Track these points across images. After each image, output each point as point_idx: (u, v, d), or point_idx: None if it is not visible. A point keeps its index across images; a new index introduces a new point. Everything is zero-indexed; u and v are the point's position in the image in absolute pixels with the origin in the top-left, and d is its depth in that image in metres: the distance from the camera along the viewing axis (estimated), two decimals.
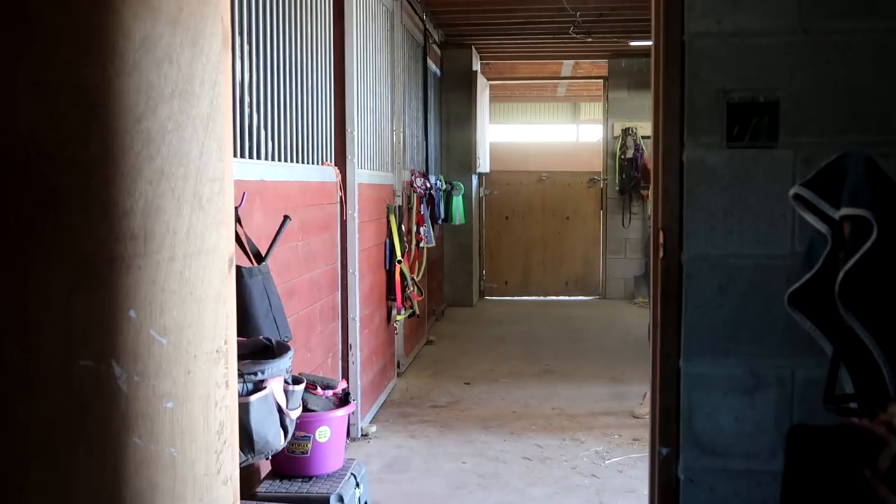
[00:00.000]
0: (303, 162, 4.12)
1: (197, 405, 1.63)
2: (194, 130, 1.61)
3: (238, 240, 2.75)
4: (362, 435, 4.84)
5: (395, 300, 5.86)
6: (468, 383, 6.19)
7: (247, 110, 3.37)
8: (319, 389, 3.28)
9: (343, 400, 3.34)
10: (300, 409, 2.80)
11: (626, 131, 10.20)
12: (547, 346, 7.63)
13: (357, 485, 3.31)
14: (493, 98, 12.34)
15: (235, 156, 3.13)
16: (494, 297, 10.68)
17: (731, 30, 2.39)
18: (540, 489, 4.09)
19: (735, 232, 2.41)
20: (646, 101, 9.69)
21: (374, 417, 5.24)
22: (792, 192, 2.03)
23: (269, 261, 3.03)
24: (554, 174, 10.88)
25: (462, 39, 9.30)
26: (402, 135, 6.54)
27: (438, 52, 9.18)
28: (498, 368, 6.68)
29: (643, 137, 9.95)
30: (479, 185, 10.41)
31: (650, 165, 4.24)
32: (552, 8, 7.55)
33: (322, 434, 3.17)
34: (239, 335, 2.21)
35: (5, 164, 1.34)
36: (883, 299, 1.83)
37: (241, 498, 1.89)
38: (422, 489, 4.09)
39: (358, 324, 4.84)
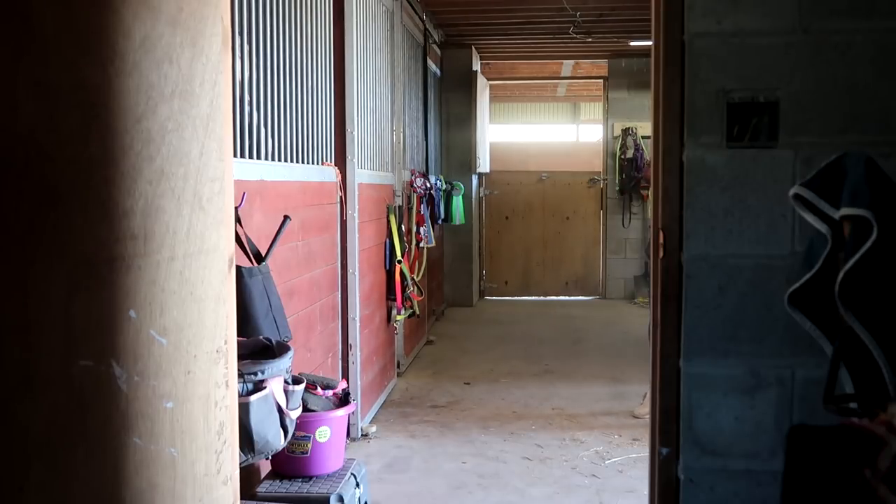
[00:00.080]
0: (303, 162, 4.12)
1: (197, 405, 1.63)
2: (194, 130, 1.61)
3: (238, 240, 2.75)
4: (362, 435, 4.84)
5: (395, 300, 5.86)
6: (468, 383, 6.19)
7: (247, 108, 3.37)
8: (319, 389, 3.28)
9: (343, 400, 3.34)
10: (300, 409, 2.80)
11: (626, 131, 10.20)
12: (547, 346, 7.63)
13: (357, 485, 3.31)
14: (493, 98, 12.35)
15: (235, 156, 3.13)
16: (494, 297, 10.68)
17: (731, 30, 2.39)
18: (540, 489, 4.09)
19: (735, 232, 2.41)
20: (646, 101, 9.69)
21: (374, 417, 5.24)
22: (792, 192, 2.03)
23: (269, 261, 3.03)
24: (554, 174, 10.88)
25: (462, 39, 9.30)
26: (402, 135, 6.54)
27: (438, 52, 9.18)
28: (498, 368, 6.68)
29: (643, 137, 9.95)
30: (479, 185, 10.41)
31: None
32: (552, 8, 7.55)
33: (322, 434, 3.17)
34: (239, 335, 2.21)
35: (5, 164, 1.34)
36: (883, 299, 1.83)
37: (241, 498, 1.89)
38: (422, 489, 4.09)
39: (358, 324, 4.84)
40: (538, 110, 17.43)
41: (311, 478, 3.17)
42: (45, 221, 1.38)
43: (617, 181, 10.28)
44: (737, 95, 2.39)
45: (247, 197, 3.02)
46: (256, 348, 2.79)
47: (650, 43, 2.64)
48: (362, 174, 5.01)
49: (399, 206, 6.22)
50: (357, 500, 3.30)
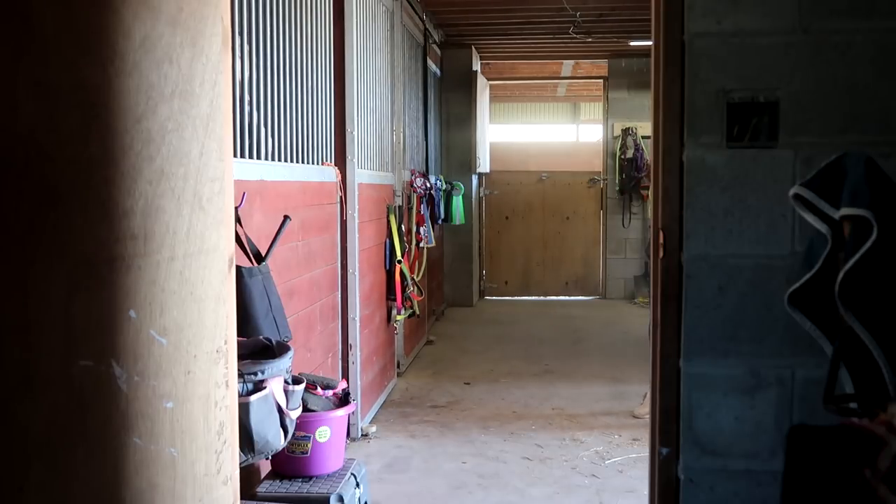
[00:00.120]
0: (303, 162, 4.12)
1: (197, 405, 1.63)
2: (194, 130, 1.61)
3: (238, 240, 2.75)
4: (362, 435, 4.84)
5: (395, 300, 5.86)
6: (468, 383, 6.19)
7: (247, 108, 3.37)
8: (319, 389, 3.28)
9: (343, 400, 3.34)
10: (300, 409, 2.80)
11: (626, 131, 10.20)
12: (547, 346, 7.63)
13: (357, 485, 3.31)
14: (493, 98, 12.35)
15: (235, 156, 3.14)
16: (494, 297, 10.68)
17: (731, 30, 2.39)
18: (540, 489, 4.09)
19: (735, 232, 2.41)
20: (646, 101, 9.69)
21: (374, 417, 5.24)
22: (792, 192, 2.03)
23: (269, 261, 3.03)
24: (554, 174, 10.88)
25: (462, 39, 9.30)
26: (402, 135, 6.54)
27: (438, 52, 9.18)
28: (498, 368, 6.68)
29: (643, 137, 9.95)
30: (479, 185, 10.41)
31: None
32: (552, 8, 7.55)
33: (322, 434, 3.17)
34: (239, 335, 2.21)
35: (5, 164, 1.34)
36: (883, 299, 1.83)
37: (241, 498, 1.89)
38: (422, 489, 4.09)
39: (358, 324, 4.84)
40: (538, 110, 17.43)
41: (311, 478, 3.17)
42: (45, 221, 1.39)
43: (617, 181, 10.28)
44: (737, 95, 2.39)
45: (247, 197, 3.02)
46: (256, 348, 2.79)
47: (650, 43, 2.64)
48: (362, 174, 5.01)
49: (399, 206, 6.22)
50: (357, 500, 3.30)
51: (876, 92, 2.35)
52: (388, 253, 5.82)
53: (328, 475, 3.20)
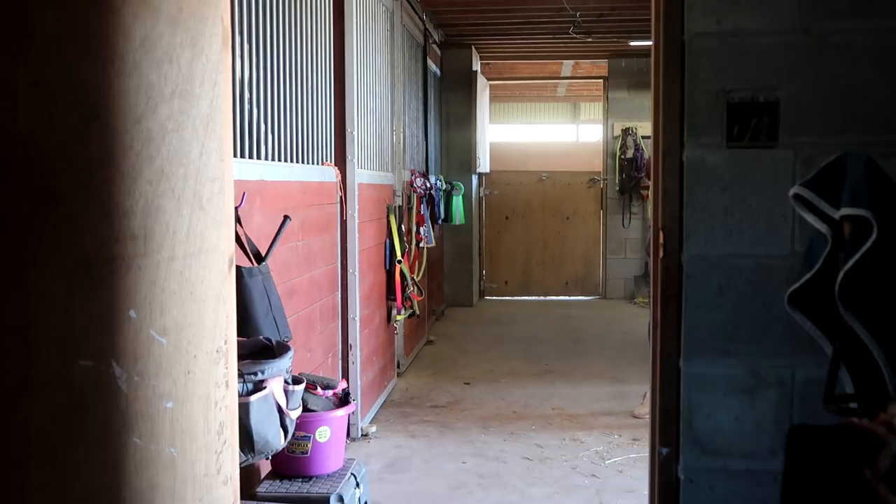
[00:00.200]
0: (303, 162, 4.12)
1: (197, 405, 1.63)
2: (194, 130, 1.61)
3: (238, 240, 2.75)
4: (362, 435, 4.84)
5: (395, 300, 5.86)
6: (468, 383, 6.19)
7: (247, 108, 3.37)
8: (319, 389, 3.28)
9: (343, 400, 3.34)
10: (300, 409, 2.80)
11: (626, 131, 10.20)
12: (547, 346, 7.63)
13: (357, 485, 3.31)
14: (493, 98, 12.35)
15: (235, 156, 3.14)
16: (494, 297, 10.68)
17: (731, 30, 2.39)
18: (540, 489, 4.09)
19: (735, 232, 2.41)
20: (646, 101, 9.69)
21: (374, 417, 5.24)
22: (792, 192, 2.03)
23: (269, 261, 3.03)
24: (554, 174, 10.88)
25: (462, 39, 9.30)
26: (402, 135, 6.54)
27: (438, 52, 9.18)
28: (498, 368, 6.68)
29: (643, 137, 9.95)
30: (479, 185, 10.41)
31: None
32: (552, 8, 7.55)
33: (322, 434, 3.17)
34: (239, 335, 2.21)
35: (5, 164, 1.34)
36: (883, 299, 1.83)
37: (241, 498, 1.89)
38: (422, 489, 4.09)
39: (358, 324, 4.84)
40: (538, 110, 17.43)
41: (311, 478, 3.17)
42: (46, 221, 1.39)
43: (617, 181, 10.28)
44: (737, 95, 2.39)
45: (247, 197, 3.02)
46: (256, 348, 2.79)
47: (650, 43, 2.64)
48: (362, 174, 5.01)
49: (399, 206, 6.22)
50: (357, 500, 3.30)
51: (876, 92, 2.35)
52: (388, 253, 5.82)
53: (328, 475, 3.20)
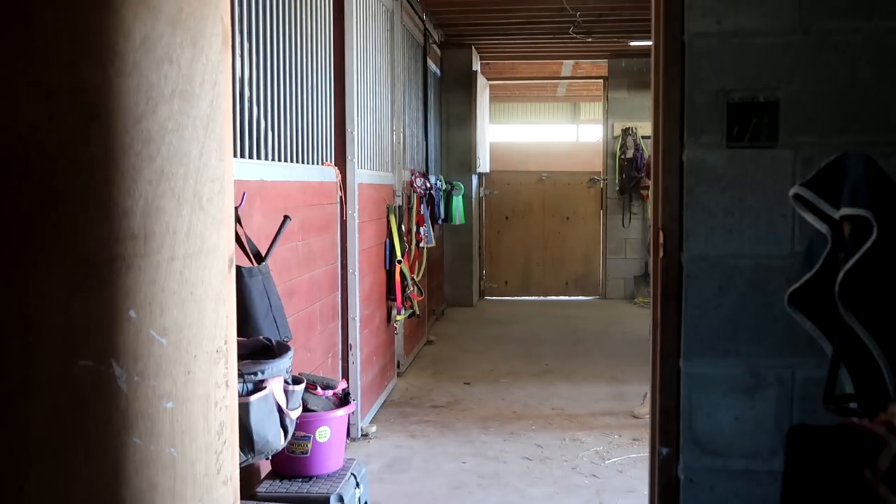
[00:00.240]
0: (303, 162, 4.12)
1: (197, 405, 1.63)
2: (194, 130, 1.61)
3: (238, 240, 2.75)
4: (362, 435, 4.84)
5: (395, 300, 5.86)
6: (468, 383, 6.19)
7: (247, 106, 3.37)
8: (319, 389, 3.28)
9: (343, 400, 3.34)
10: (300, 409, 2.80)
11: (626, 131, 10.20)
12: (547, 346, 7.63)
13: (357, 485, 3.31)
14: (493, 98, 12.35)
15: (235, 156, 3.14)
16: (494, 297, 10.69)
17: (731, 30, 2.39)
18: (540, 489, 4.09)
19: (735, 232, 2.41)
20: (646, 101, 9.69)
21: (374, 417, 5.24)
22: (792, 192, 2.03)
23: (269, 261, 3.03)
24: (554, 174, 10.88)
25: (462, 39, 9.30)
26: (402, 135, 6.54)
27: (438, 52, 9.18)
28: (498, 368, 6.68)
29: (643, 137, 9.95)
30: (479, 185, 10.41)
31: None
32: (552, 8, 7.55)
33: (322, 434, 3.17)
34: (239, 335, 2.21)
35: (5, 163, 1.34)
36: (883, 299, 1.83)
37: (241, 498, 1.89)
38: (422, 489, 4.09)
39: (358, 324, 4.84)
40: (538, 110, 17.43)
41: (311, 478, 3.17)
42: (46, 221, 1.39)
43: (617, 181, 10.28)
44: (737, 95, 2.39)
45: (247, 197, 3.02)
46: (256, 348, 2.79)
47: (650, 43, 2.64)
48: (362, 174, 5.01)
49: (399, 206, 6.22)
50: (357, 500, 3.30)
51: (875, 92, 2.35)
52: (388, 253, 5.82)
53: (328, 475, 3.20)
